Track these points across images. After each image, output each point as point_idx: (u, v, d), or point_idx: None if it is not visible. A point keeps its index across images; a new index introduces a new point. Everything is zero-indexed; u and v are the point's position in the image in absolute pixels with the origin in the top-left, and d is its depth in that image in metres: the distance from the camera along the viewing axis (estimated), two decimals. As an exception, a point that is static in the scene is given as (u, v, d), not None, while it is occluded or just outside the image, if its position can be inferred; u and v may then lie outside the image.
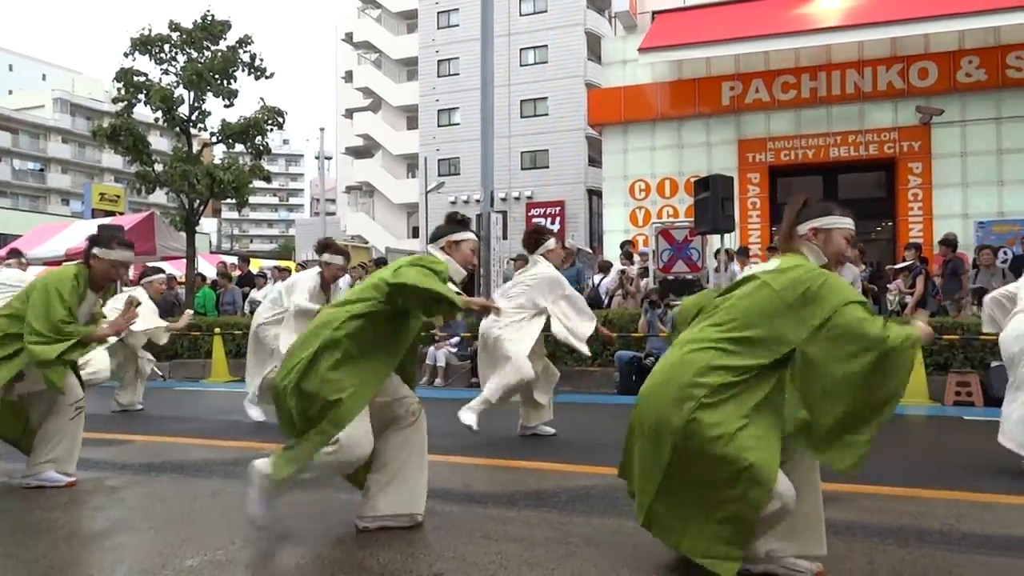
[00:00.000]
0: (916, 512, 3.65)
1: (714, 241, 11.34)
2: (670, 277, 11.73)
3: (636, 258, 12.93)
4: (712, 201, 9.55)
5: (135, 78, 15.18)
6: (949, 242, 10.84)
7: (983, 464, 4.88)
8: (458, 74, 36.93)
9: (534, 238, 5.95)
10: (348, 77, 46.82)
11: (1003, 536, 3.27)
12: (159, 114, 15.30)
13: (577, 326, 5.80)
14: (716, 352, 2.58)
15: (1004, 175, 13.65)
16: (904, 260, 10.74)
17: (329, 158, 48.25)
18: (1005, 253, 11.70)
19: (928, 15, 13.22)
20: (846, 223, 2.83)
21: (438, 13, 38.46)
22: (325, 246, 6.58)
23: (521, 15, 35.93)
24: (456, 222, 3.76)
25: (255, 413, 6.86)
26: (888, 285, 10.55)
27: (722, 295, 2.81)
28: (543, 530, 3.43)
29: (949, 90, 13.89)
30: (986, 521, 3.51)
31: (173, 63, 15.47)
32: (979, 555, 3.02)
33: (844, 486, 4.06)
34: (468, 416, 5.40)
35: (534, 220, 33.91)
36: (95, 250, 4.27)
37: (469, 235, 3.72)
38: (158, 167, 15.74)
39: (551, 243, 5.91)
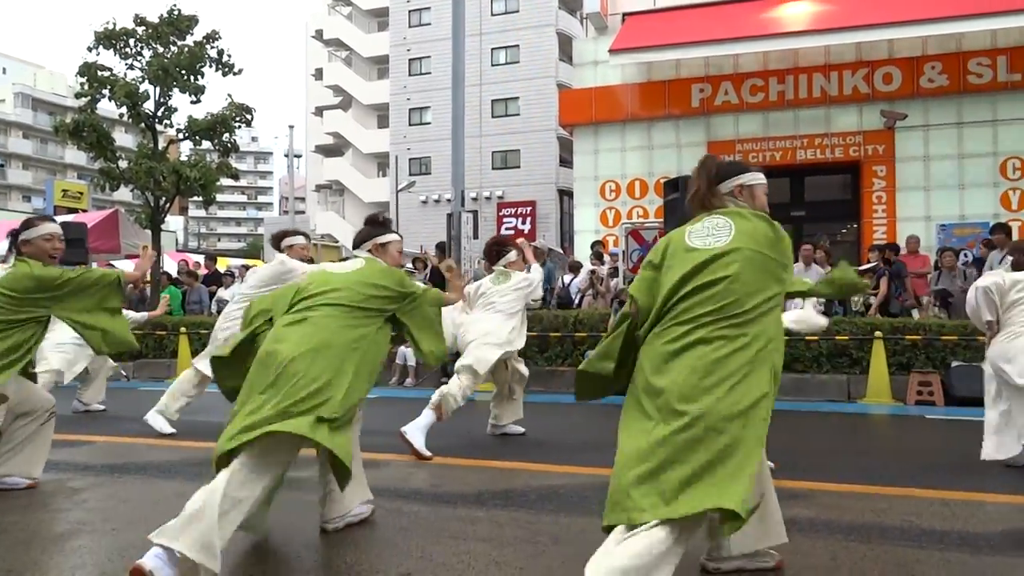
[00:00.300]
0: (878, 509, 3.72)
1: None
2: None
3: (606, 258, 12.99)
4: (681, 202, 9.61)
5: (99, 73, 14.90)
6: (890, 247, 11.14)
7: (943, 462, 4.99)
8: (429, 73, 36.84)
9: (495, 250, 6.19)
10: (318, 75, 46.46)
11: (960, 532, 3.34)
12: (124, 110, 15.01)
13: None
14: (743, 352, 2.46)
15: (965, 179, 13.94)
16: (868, 262, 10.92)
17: (299, 156, 47.77)
18: (966, 255, 11.96)
19: (892, 21, 13.47)
20: (763, 179, 2.89)
21: (409, 11, 38.33)
22: (280, 236, 6.47)
23: (493, 15, 35.95)
24: (378, 224, 3.74)
25: (161, 424, 6.29)
26: (853, 286, 10.71)
27: (684, 280, 2.57)
28: (511, 529, 3.44)
29: (912, 95, 14.15)
30: (944, 518, 3.58)
31: (138, 58, 15.21)
32: (938, 551, 3.09)
33: (807, 484, 4.13)
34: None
35: (505, 220, 33.97)
36: (21, 237, 4.18)
37: (393, 236, 3.72)
38: (123, 164, 15.45)
39: (512, 255, 6.13)
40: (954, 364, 8.17)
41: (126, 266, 17.26)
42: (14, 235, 4.24)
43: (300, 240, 6.39)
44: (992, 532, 3.34)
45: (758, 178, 2.87)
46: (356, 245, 3.75)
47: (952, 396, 7.91)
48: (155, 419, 6.29)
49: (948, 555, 3.03)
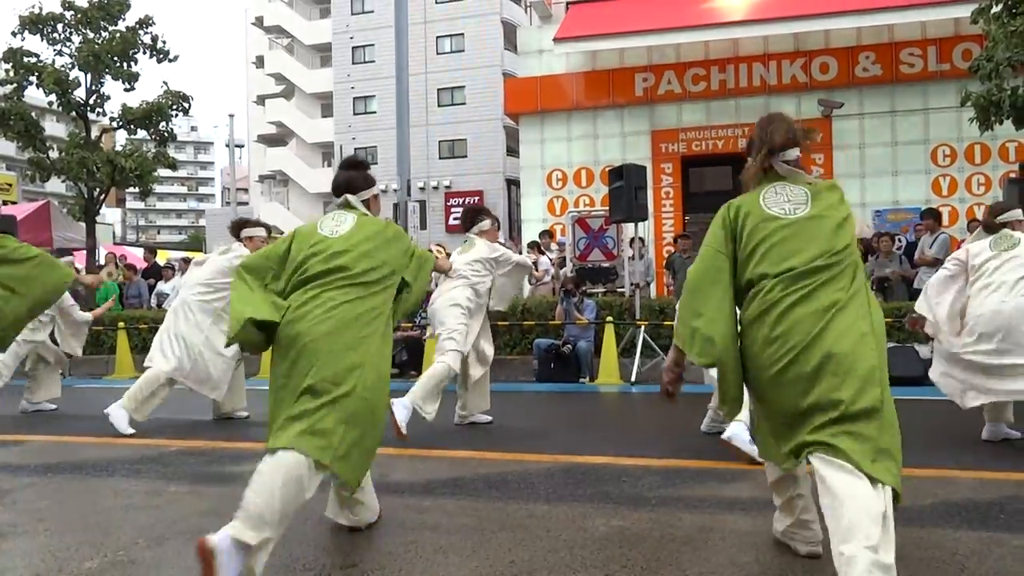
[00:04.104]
0: (814, 486, 3.81)
1: (628, 229, 11.55)
2: (588, 265, 11.90)
3: (553, 247, 13.04)
4: (626, 190, 9.71)
5: (25, 59, 14.30)
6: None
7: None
8: (373, 61, 36.37)
9: (469, 217, 6.05)
10: (259, 63, 45.45)
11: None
12: (53, 98, 14.46)
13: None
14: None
15: (898, 166, 14.40)
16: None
17: (240, 146, 46.78)
18: (900, 240, 12.36)
19: (828, 11, 13.81)
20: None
21: (352, -2, 37.77)
22: (241, 224, 6.38)
23: (437, 2, 35.66)
24: (363, 167, 3.56)
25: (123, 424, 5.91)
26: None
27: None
28: (459, 517, 3.44)
29: (848, 84, 14.52)
30: (879, 492, 3.70)
31: (67, 44, 14.64)
32: (872, 524, 3.18)
33: (749, 466, 4.22)
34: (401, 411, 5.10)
35: (453, 210, 33.82)
36: None
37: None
38: (53, 154, 14.91)
39: (486, 224, 5.99)
40: (889, 345, 8.44)
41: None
42: None
43: (261, 232, 6.27)
44: (921, 505, 3.47)
45: None
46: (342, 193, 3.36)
47: (888, 376, 8.17)
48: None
49: (882, 528, 3.13)
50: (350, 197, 3.34)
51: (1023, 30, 8.87)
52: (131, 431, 5.69)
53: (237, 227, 6.38)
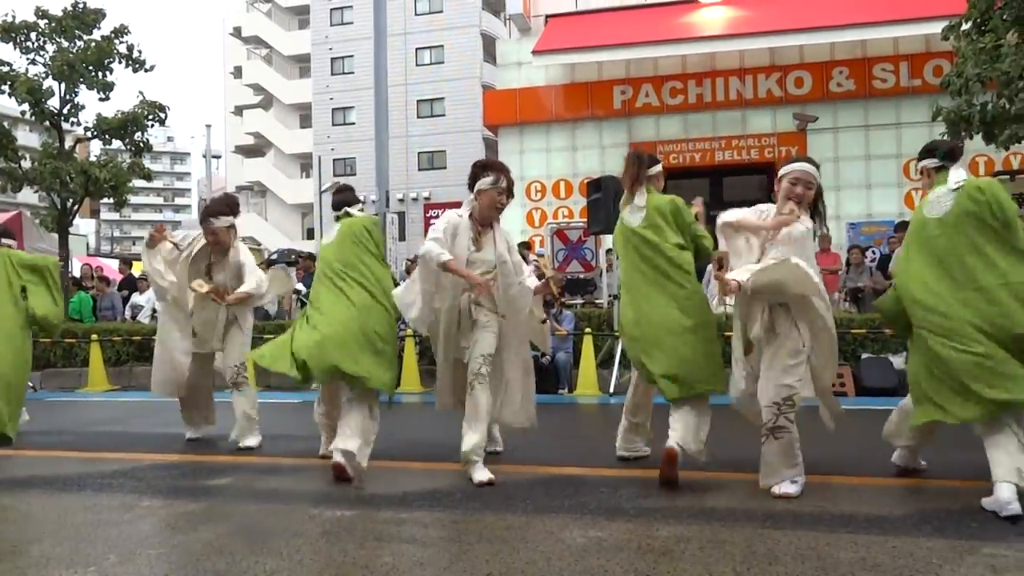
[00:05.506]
0: (792, 497, 3.84)
1: (607, 241, 11.60)
2: (566, 277, 11.92)
3: (532, 258, 13.04)
4: (604, 202, 9.74)
5: (-3, 68, 14.14)
6: None
7: (853, 450, 5.19)
8: (353, 72, 36.38)
9: (473, 172, 4.83)
10: (237, 73, 45.30)
11: (868, 515, 3.49)
12: (26, 107, 14.27)
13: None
14: None
15: (872, 179, 14.60)
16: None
17: (217, 157, 46.46)
18: (873, 253, 12.53)
19: (802, 27, 14.02)
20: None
21: (331, 9, 37.79)
22: (210, 212, 5.68)
23: (416, 14, 35.78)
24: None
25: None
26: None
27: None
28: (436, 530, 3.42)
29: (822, 98, 14.73)
30: (853, 502, 3.73)
31: (41, 53, 14.48)
32: (847, 533, 3.21)
33: (725, 475, 4.24)
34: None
35: (432, 222, 33.75)
36: None
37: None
38: (26, 164, 14.69)
39: (487, 180, 4.66)
40: (864, 356, 8.54)
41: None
42: None
43: (222, 222, 5.53)
44: (897, 514, 3.50)
45: None
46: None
47: (862, 387, 8.25)
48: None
49: (857, 537, 3.16)
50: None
51: (991, 47, 9.05)
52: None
53: (207, 214, 5.63)
